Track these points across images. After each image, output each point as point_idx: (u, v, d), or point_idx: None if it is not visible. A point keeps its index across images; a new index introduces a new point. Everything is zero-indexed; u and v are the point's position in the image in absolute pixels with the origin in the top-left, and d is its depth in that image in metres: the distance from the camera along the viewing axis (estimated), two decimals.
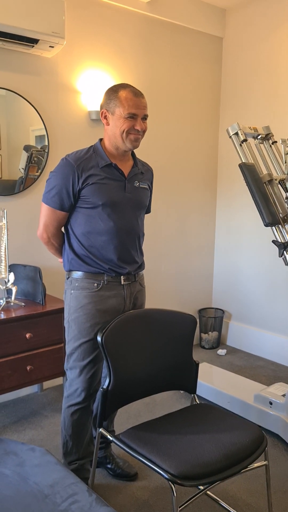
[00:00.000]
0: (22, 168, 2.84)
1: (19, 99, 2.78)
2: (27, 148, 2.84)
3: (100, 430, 1.80)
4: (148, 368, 1.91)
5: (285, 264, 2.25)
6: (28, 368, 2.50)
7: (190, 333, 1.99)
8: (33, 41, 2.58)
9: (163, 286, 3.76)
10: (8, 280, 2.59)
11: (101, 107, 1.91)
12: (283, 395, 2.54)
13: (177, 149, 3.67)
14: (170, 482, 1.49)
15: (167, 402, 2.92)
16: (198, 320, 3.92)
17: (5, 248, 2.57)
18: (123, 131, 1.84)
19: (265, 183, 2.26)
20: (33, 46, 2.63)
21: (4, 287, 2.59)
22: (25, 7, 2.44)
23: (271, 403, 2.53)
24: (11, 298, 2.61)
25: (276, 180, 2.30)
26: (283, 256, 2.24)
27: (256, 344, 3.78)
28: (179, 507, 1.54)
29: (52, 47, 2.66)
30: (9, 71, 2.75)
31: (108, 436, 1.76)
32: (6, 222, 2.58)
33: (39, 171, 2.91)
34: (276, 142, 2.49)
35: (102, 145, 1.94)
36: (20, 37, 2.53)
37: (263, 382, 3.25)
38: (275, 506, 2.03)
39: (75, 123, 3.06)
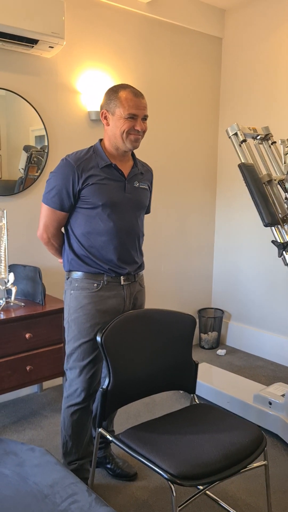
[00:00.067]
0: (22, 168, 2.84)
1: (19, 100, 2.78)
2: (26, 148, 2.84)
3: (99, 430, 1.80)
4: (147, 368, 1.91)
5: (285, 264, 2.25)
6: (27, 368, 2.50)
7: (190, 333, 2.00)
8: (32, 42, 2.58)
9: (163, 286, 3.76)
10: (8, 280, 2.59)
11: (101, 108, 1.91)
12: (283, 395, 2.54)
13: (176, 150, 3.67)
14: (169, 482, 1.49)
15: (167, 402, 2.92)
16: (197, 320, 3.93)
17: (5, 248, 2.57)
18: (123, 132, 1.84)
19: (264, 183, 2.27)
20: (32, 46, 2.63)
21: (4, 287, 2.60)
22: (24, 7, 2.44)
23: (270, 403, 2.53)
24: (11, 298, 2.61)
25: (275, 180, 2.30)
26: (282, 256, 2.24)
27: (256, 344, 3.78)
28: (179, 507, 1.54)
29: (52, 47, 2.67)
30: (9, 71, 2.75)
31: (108, 436, 1.77)
32: (6, 222, 2.58)
33: (39, 171, 2.91)
34: (275, 142, 2.49)
35: (102, 145, 1.94)
36: (19, 37, 2.53)
37: (262, 382, 3.25)
38: (274, 506, 2.03)
39: (74, 123, 3.06)
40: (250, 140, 2.45)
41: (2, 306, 2.56)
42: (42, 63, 2.87)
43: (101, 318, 1.92)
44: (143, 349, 1.90)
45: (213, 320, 3.90)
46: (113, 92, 1.86)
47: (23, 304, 2.62)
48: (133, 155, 2.02)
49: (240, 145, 2.34)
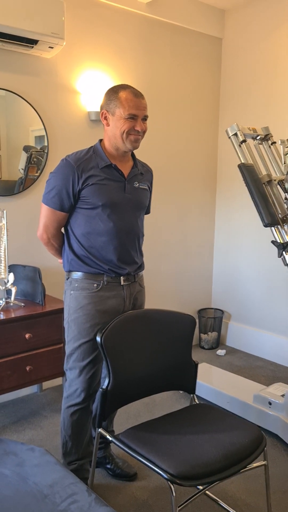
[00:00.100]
0: (22, 169, 2.84)
1: (18, 100, 2.78)
2: (26, 148, 2.84)
3: (99, 430, 1.80)
4: (147, 369, 1.91)
5: (284, 265, 2.25)
6: (27, 368, 2.51)
7: (190, 334, 2.00)
8: (32, 42, 2.59)
9: (163, 287, 3.76)
10: (8, 281, 2.59)
11: (101, 108, 1.91)
12: (282, 395, 2.54)
13: (176, 150, 3.67)
14: (169, 482, 1.49)
15: (167, 402, 2.93)
16: (197, 321, 3.93)
17: (5, 249, 2.57)
18: (123, 132, 1.85)
19: (264, 183, 2.27)
20: (32, 47, 2.63)
21: (3, 288, 2.60)
22: (24, 8, 2.45)
23: (270, 403, 2.53)
24: (10, 299, 2.61)
25: (275, 180, 2.30)
26: (282, 257, 2.24)
27: (256, 344, 3.78)
28: (178, 507, 1.54)
29: (52, 47, 2.67)
30: (9, 71, 2.75)
31: (108, 436, 1.77)
32: (6, 222, 2.58)
33: (39, 171, 2.92)
34: (275, 142, 2.49)
35: (102, 146, 1.94)
36: (19, 38, 2.53)
37: (262, 382, 3.25)
38: (274, 506, 2.03)
39: (74, 123, 3.06)
40: (250, 141, 2.45)
41: (2, 306, 2.57)
42: (42, 64, 2.87)
43: (101, 318, 1.92)
44: (143, 349, 1.90)
45: (213, 320, 3.90)
46: (113, 92, 1.86)
47: (23, 304, 2.62)
48: (133, 155, 2.02)
49: (240, 146, 2.34)
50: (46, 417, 2.75)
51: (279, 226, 2.23)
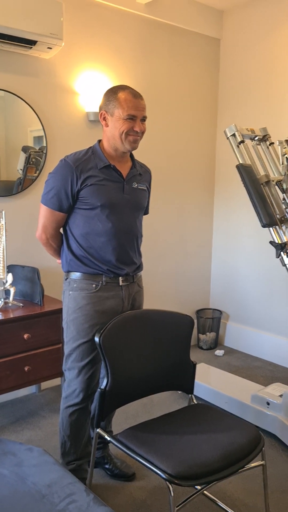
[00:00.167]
0: (20, 169, 2.84)
1: (17, 100, 2.78)
2: (25, 149, 2.85)
3: (97, 430, 1.81)
4: (146, 369, 1.91)
5: (282, 265, 2.26)
6: (26, 368, 2.51)
7: (188, 334, 2.00)
8: (31, 43, 2.59)
9: (161, 287, 3.77)
10: (6, 281, 2.59)
11: (100, 109, 1.91)
12: (280, 396, 2.55)
13: (175, 150, 3.68)
14: (167, 482, 1.49)
15: (165, 402, 2.93)
16: (196, 321, 3.93)
17: (4, 249, 2.57)
18: (122, 132, 1.85)
19: (262, 184, 2.27)
20: (31, 47, 2.64)
21: (2, 288, 2.60)
22: (23, 8, 2.45)
23: (268, 404, 2.54)
24: (9, 299, 2.61)
25: (273, 181, 2.31)
26: (280, 257, 2.25)
27: (254, 344, 3.79)
28: (177, 507, 1.55)
29: (50, 48, 2.67)
30: (7, 72, 2.75)
31: (106, 437, 1.77)
32: (5, 223, 2.58)
33: (37, 172, 2.92)
34: (273, 143, 2.50)
35: (100, 146, 1.94)
36: (18, 38, 2.53)
37: (260, 382, 3.26)
38: (272, 506, 2.04)
39: (73, 124, 3.07)
40: (248, 141, 2.46)
41: (0, 307, 2.57)
42: (41, 64, 2.87)
43: (100, 318, 1.93)
44: (141, 349, 1.91)
45: (211, 320, 3.90)
46: (112, 93, 1.86)
47: (21, 304, 2.63)
48: (131, 156, 2.02)
49: (238, 146, 2.35)
50: (44, 417, 2.75)
51: (277, 227, 2.24)
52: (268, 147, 2.49)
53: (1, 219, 2.59)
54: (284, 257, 2.23)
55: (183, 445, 1.64)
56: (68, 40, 2.95)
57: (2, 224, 2.58)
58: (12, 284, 2.65)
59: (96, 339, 1.76)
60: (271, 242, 2.24)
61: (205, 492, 2.10)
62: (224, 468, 1.56)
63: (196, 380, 2.94)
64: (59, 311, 2.59)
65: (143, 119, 1.88)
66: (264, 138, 2.49)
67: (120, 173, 1.92)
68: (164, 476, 1.49)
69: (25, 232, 2.93)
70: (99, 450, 2.24)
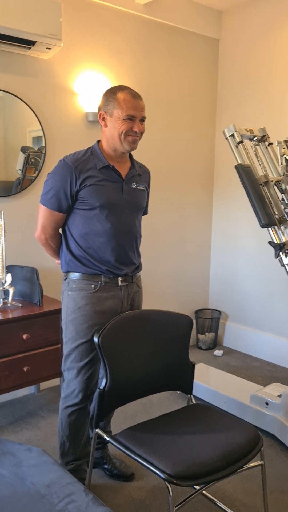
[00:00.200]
0: (19, 169, 2.84)
1: (16, 101, 2.78)
2: (24, 149, 2.85)
3: (96, 430, 1.81)
4: (144, 369, 1.91)
5: (281, 265, 2.26)
6: (25, 369, 2.51)
7: (187, 334, 2.00)
8: (30, 43, 2.59)
9: (160, 287, 3.77)
10: (5, 281, 2.59)
11: (99, 109, 1.91)
12: (279, 396, 2.55)
13: (174, 151, 3.68)
14: (166, 482, 1.49)
15: (164, 402, 2.93)
16: (195, 321, 3.93)
17: (2, 249, 2.57)
18: (121, 133, 1.85)
19: (261, 184, 2.28)
20: (30, 48, 2.64)
21: (1, 288, 2.60)
22: (22, 9, 2.45)
23: (267, 404, 2.54)
24: (8, 299, 2.61)
25: (272, 181, 2.31)
26: (279, 257, 2.25)
27: (253, 345, 3.79)
28: (176, 507, 1.55)
29: (49, 48, 2.67)
30: (6, 72, 2.75)
31: (105, 437, 1.77)
32: (4, 223, 2.58)
33: (36, 172, 2.92)
34: (272, 143, 2.50)
35: (99, 146, 1.95)
36: (17, 39, 2.53)
37: (259, 382, 3.26)
38: (271, 506, 2.04)
39: (72, 124, 3.07)
40: (246, 142, 2.46)
41: None
42: (40, 65, 2.88)
43: (99, 319, 1.93)
44: (140, 349, 1.91)
45: (210, 321, 3.90)
46: (111, 93, 1.86)
47: (20, 305, 2.63)
48: (130, 156, 2.03)
49: (237, 146, 2.35)
50: (43, 418, 2.75)
51: (276, 227, 2.24)
52: (267, 148, 2.49)
53: (0, 219, 2.59)
54: (283, 257, 2.23)
55: (182, 445, 1.64)
56: (67, 40, 2.95)
57: (1, 225, 2.58)
58: (11, 284, 2.65)
59: (95, 339, 1.77)
60: (270, 242, 2.25)
61: (204, 492, 2.11)
62: (223, 468, 1.56)
63: (195, 380, 2.95)
64: (58, 311, 2.59)
65: (142, 119, 1.88)
66: (263, 139, 2.49)
67: (119, 174, 1.93)
68: (163, 476, 1.50)
69: (24, 233, 2.93)
70: (98, 450, 2.24)
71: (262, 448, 1.70)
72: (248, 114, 3.65)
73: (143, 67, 3.39)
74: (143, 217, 2.18)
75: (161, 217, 3.68)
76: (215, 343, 3.95)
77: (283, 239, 2.24)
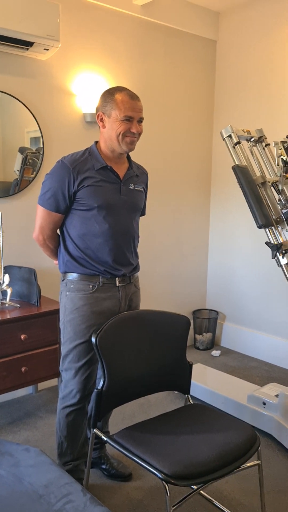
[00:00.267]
0: (17, 170, 2.85)
1: (14, 101, 2.78)
2: (22, 150, 2.85)
3: (94, 430, 1.81)
4: (142, 369, 1.92)
5: (278, 266, 2.27)
6: (23, 369, 2.51)
7: (184, 334, 2.01)
8: (28, 44, 2.59)
9: (158, 288, 3.78)
10: (3, 282, 2.59)
11: (97, 110, 1.92)
12: (276, 396, 2.56)
13: (171, 152, 3.69)
14: (163, 482, 1.50)
15: (162, 402, 2.94)
16: (192, 322, 3.94)
17: (0, 250, 2.58)
18: (119, 134, 1.86)
19: (258, 185, 2.28)
20: (27, 48, 2.64)
21: None
22: (20, 10, 2.45)
23: (264, 404, 2.55)
24: (6, 300, 2.61)
25: (269, 182, 2.32)
26: (276, 258, 2.26)
27: (250, 345, 3.80)
28: (173, 507, 1.55)
29: (47, 49, 2.68)
30: (4, 73, 2.75)
31: (103, 437, 1.78)
32: (1, 224, 2.58)
33: (34, 173, 2.92)
34: (269, 144, 2.51)
35: (97, 147, 1.95)
36: (15, 39, 2.54)
37: (256, 382, 3.27)
38: (268, 505, 2.05)
39: (70, 125, 3.07)
40: (244, 142, 2.47)
41: None
42: (37, 65, 2.88)
43: (97, 319, 1.93)
44: (138, 350, 1.91)
45: (207, 321, 3.91)
46: (109, 94, 1.87)
47: (18, 305, 2.63)
48: (128, 157, 2.03)
49: (234, 147, 2.36)
50: (41, 418, 2.76)
51: (273, 227, 2.25)
52: (264, 148, 2.50)
53: None
54: (280, 257, 2.24)
55: (180, 445, 1.65)
56: (65, 41, 2.96)
57: None
58: (9, 285, 2.65)
59: (93, 339, 1.77)
60: (267, 243, 2.26)
61: (201, 491, 2.11)
62: (220, 468, 1.57)
63: (193, 381, 2.95)
64: (56, 311, 2.59)
65: (140, 120, 1.89)
66: (260, 140, 2.50)
67: (117, 174, 1.93)
68: (160, 476, 1.50)
69: (22, 233, 2.93)
70: (95, 451, 2.24)
71: (259, 448, 1.71)
72: (245, 115, 3.66)
73: (141, 68, 3.39)
74: (140, 218, 2.18)
75: (159, 218, 3.69)
76: (213, 344, 3.96)
77: (280, 240, 2.25)
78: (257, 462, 1.75)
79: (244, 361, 3.68)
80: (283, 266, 2.24)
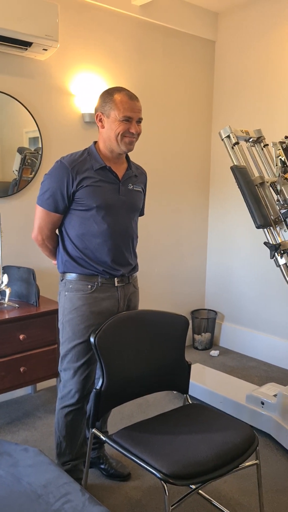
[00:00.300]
0: (16, 170, 2.85)
1: (12, 102, 2.78)
2: (20, 150, 2.85)
3: (93, 430, 1.81)
4: (141, 369, 1.92)
5: (277, 266, 2.27)
6: (21, 369, 2.51)
7: (183, 334, 2.01)
8: (26, 44, 2.59)
9: (157, 288, 3.78)
10: (2, 282, 2.59)
11: (96, 110, 1.92)
12: (275, 395, 2.56)
13: (170, 152, 3.69)
14: (162, 482, 1.50)
15: (160, 402, 2.94)
16: (191, 322, 3.94)
17: None
18: (118, 134, 1.86)
19: (256, 185, 2.29)
20: (26, 49, 2.64)
21: None
22: (18, 10, 2.45)
23: (263, 403, 2.55)
24: (4, 300, 2.62)
25: (267, 182, 2.33)
26: (274, 258, 2.26)
27: (249, 345, 3.80)
28: (172, 506, 1.56)
29: (46, 50, 2.68)
30: (3, 73, 2.75)
31: (101, 437, 1.78)
32: (0, 224, 2.59)
33: (33, 173, 2.92)
34: (267, 145, 2.52)
35: (96, 147, 1.95)
36: (13, 40, 2.54)
37: (255, 382, 3.27)
38: (266, 505, 2.05)
39: (68, 125, 3.07)
40: (242, 143, 2.48)
41: None
42: (36, 66, 2.88)
43: (96, 319, 1.93)
44: (137, 350, 1.92)
45: (206, 321, 3.92)
46: (108, 94, 1.87)
47: (17, 305, 2.63)
48: (127, 157, 2.03)
49: (232, 148, 2.37)
50: (40, 418, 2.76)
51: (271, 228, 2.25)
52: (262, 149, 2.51)
53: None
54: (278, 257, 2.25)
55: (178, 444, 1.65)
56: (64, 41, 2.96)
57: None
58: (7, 285, 2.65)
59: (92, 339, 1.77)
60: (265, 243, 2.26)
61: (200, 491, 2.12)
62: (218, 467, 1.57)
63: (191, 380, 2.96)
64: (55, 312, 2.59)
65: (139, 120, 1.89)
66: (259, 140, 2.51)
67: (115, 175, 1.93)
68: (159, 476, 1.50)
69: (21, 233, 2.93)
70: (94, 450, 2.24)
71: (257, 448, 1.72)
72: (244, 115, 3.67)
73: (139, 68, 3.40)
74: (139, 218, 2.19)
75: (158, 218, 3.69)
76: (211, 343, 3.96)
77: (279, 240, 2.25)
78: (256, 461, 1.76)
79: (242, 361, 3.68)
80: (282, 266, 2.25)
